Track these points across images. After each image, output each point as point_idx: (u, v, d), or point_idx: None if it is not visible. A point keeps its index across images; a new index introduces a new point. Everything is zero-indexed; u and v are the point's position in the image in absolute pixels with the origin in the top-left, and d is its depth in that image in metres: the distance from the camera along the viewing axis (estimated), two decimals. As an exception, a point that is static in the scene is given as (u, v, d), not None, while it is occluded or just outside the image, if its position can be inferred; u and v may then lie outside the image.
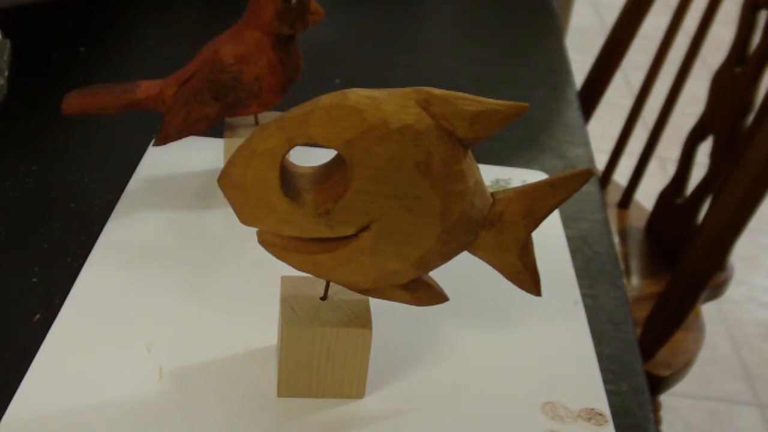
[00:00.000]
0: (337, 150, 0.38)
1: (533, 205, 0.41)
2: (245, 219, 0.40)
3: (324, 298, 0.44)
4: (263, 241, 0.41)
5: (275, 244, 0.41)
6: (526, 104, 0.38)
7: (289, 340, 0.43)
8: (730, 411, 1.55)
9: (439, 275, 0.52)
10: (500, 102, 0.38)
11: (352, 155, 0.37)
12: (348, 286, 0.41)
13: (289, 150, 0.38)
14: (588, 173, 0.42)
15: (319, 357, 0.44)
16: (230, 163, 0.39)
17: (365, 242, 0.39)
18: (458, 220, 0.39)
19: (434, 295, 0.43)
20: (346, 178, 0.38)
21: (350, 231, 0.39)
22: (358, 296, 0.45)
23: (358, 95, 0.37)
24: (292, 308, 0.44)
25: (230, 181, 0.39)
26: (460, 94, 0.38)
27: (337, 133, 0.37)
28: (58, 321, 0.48)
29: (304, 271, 0.41)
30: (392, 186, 0.38)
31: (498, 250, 0.42)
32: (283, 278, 0.46)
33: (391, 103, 0.37)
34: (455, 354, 0.49)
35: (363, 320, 0.43)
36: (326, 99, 0.37)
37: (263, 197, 0.39)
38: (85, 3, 0.88)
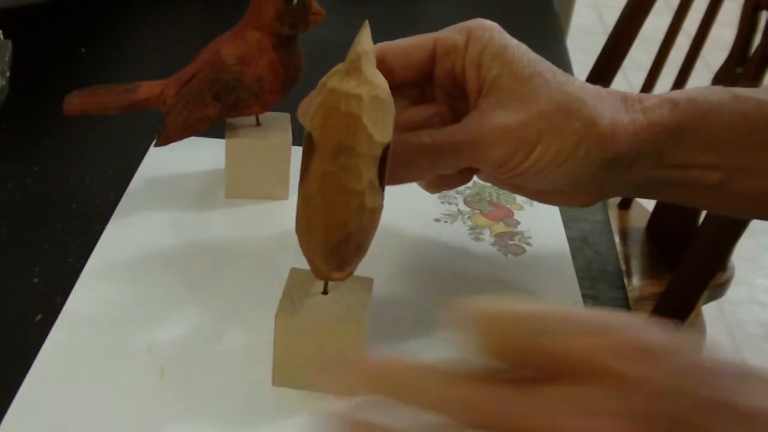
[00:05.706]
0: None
1: None
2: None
3: (325, 292, 0.45)
4: None
5: None
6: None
7: (282, 330, 0.43)
8: (731, 411, 1.55)
9: (439, 275, 0.52)
10: None
11: None
12: None
13: None
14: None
15: (312, 350, 0.44)
16: None
17: None
18: None
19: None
20: None
21: None
22: (359, 294, 0.45)
23: None
24: (291, 299, 0.44)
25: None
26: None
27: None
28: (60, 321, 0.48)
29: None
30: None
31: None
32: (293, 270, 0.46)
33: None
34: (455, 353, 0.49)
35: (357, 316, 0.43)
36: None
37: None
38: (85, 3, 0.88)
